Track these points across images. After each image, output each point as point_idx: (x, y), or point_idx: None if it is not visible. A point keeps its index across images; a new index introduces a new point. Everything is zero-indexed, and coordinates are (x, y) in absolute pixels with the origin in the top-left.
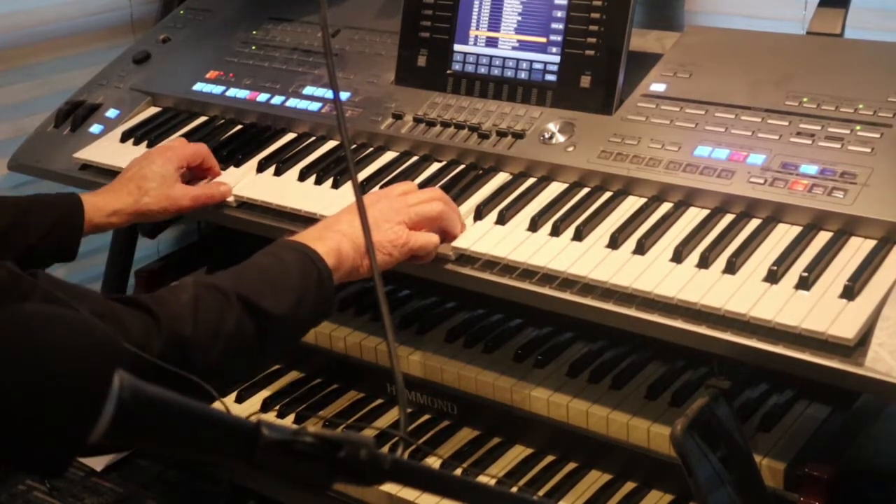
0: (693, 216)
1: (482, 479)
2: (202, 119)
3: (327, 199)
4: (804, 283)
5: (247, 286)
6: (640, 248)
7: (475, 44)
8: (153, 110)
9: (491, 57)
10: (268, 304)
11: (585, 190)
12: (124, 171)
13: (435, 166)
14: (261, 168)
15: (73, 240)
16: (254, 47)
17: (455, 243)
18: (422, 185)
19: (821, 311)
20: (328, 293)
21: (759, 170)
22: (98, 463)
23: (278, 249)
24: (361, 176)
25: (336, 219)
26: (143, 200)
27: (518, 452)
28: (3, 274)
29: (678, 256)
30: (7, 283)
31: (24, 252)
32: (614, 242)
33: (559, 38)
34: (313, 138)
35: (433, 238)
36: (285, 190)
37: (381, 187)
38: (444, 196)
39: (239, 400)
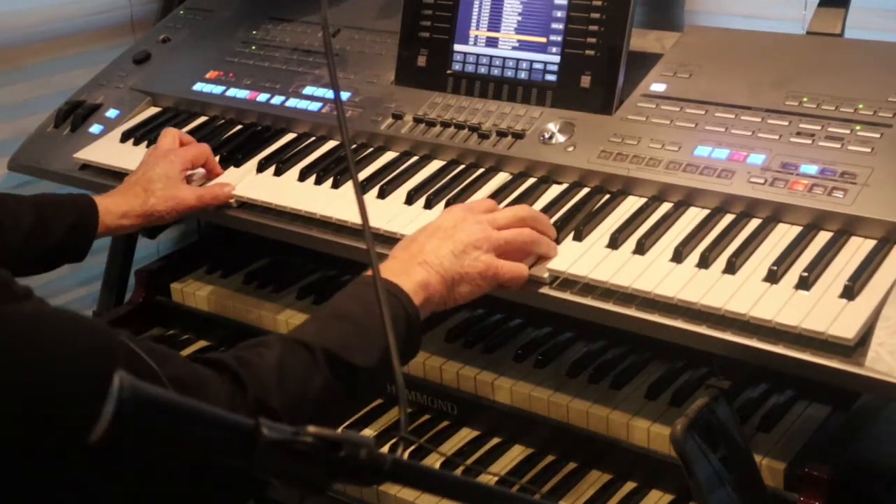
0: (693, 216)
1: (482, 478)
2: (202, 119)
3: (327, 200)
4: (804, 283)
5: (334, 340)
6: (640, 248)
7: (475, 44)
8: (153, 110)
9: (491, 57)
10: (356, 358)
11: (585, 190)
12: (128, 176)
13: (435, 166)
14: (261, 168)
15: (87, 241)
16: (254, 47)
17: None
18: (421, 185)
19: (821, 311)
20: (416, 335)
21: (759, 170)
22: None
23: (364, 290)
24: (361, 176)
25: (420, 247)
26: (149, 202)
27: (518, 452)
28: None
29: (678, 256)
30: None
31: (42, 253)
32: (614, 242)
33: (559, 38)
34: (313, 138)
35: (522, 270)
36: (285, 190)
37: (381, 187)
38: (533, 215)
39: None
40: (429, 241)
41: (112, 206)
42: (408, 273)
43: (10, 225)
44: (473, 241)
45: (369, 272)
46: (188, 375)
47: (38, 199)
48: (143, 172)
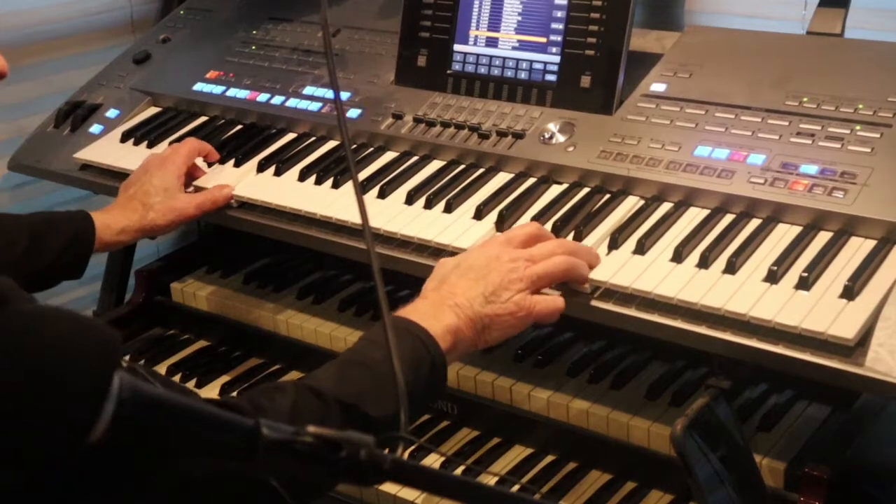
0: (693, 216)
1: (482, 478)
2: (202, 119)
3: (327, 200)
4: (804, 283)
5: (349, 389)
6: (640, 248)
7: (475, 44)
8: (153, 110)
9: (491, 57)
10: (372, 409)
11: (585, 190)
12: (125, 188)
13: (435, 166)
14: (261, 168)
15: (84, 259)
16: (254, 47)
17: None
18: (421, 185)
19: (821, 311)
20: (439, 381)
21: (759, 170)
22: None
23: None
24: (361, 176)
25: (451, 288)
26: (148, 216)
27: (518, 452)
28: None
29: (678, 256)
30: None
31: (39, 272)
32: (614, 242)
33: (559, 38)
34: (313, 138)
35: (558, 303)
36: (285, 190)
37: (381, 187)
38: (573, 248)
39: None
40: (460, 281)
41: (110, 222)
42: (437, 316)
43: (2, 245)
44: (505, 283)
45: (397, 313)
46: None
47: (34, 218)
48: (141, 185)
